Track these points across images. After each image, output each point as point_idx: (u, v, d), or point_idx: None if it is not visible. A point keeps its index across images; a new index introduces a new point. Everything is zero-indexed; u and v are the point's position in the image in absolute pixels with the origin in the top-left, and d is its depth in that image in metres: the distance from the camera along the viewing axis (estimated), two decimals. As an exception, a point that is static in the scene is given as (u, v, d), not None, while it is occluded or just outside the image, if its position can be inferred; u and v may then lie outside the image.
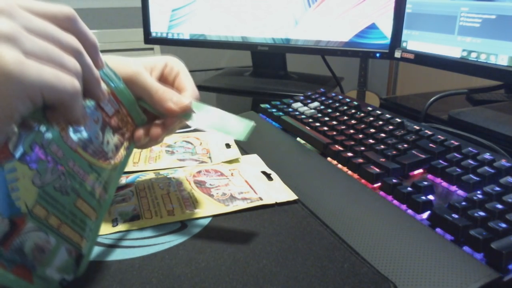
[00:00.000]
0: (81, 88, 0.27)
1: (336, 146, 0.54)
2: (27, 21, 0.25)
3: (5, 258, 0.25)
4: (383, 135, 0.55)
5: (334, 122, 0.61)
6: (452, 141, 0.51)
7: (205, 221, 0.41)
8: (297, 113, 0.68)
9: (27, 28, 0.25)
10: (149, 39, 1.03)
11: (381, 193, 0.45)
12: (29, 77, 0.24)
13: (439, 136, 0.52)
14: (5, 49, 0.23)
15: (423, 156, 0.49)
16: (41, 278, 0.27)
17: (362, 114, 0.62)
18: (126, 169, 0.48)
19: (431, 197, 0.43)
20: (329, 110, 0.67)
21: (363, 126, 0.59)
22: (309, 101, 0.73)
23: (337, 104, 0.68)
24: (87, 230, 0.32)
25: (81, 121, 0.29)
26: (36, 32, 0.26)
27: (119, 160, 0.36)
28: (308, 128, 0.61)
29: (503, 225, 0.35)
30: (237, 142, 0.60)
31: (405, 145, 0.51)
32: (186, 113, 0.39)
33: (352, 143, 0.54)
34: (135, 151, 0.57)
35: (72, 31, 0.28)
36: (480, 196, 0.40)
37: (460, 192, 0.44)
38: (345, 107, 0.66)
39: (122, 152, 0.37)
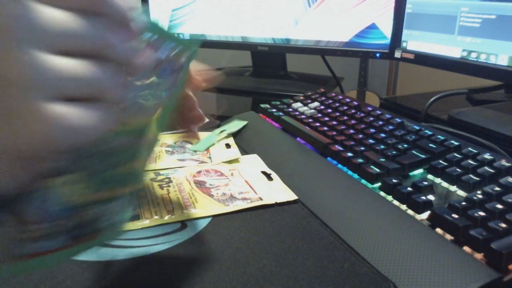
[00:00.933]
0: (115, 116, 0.23)
1: (336, 146, 0.54)
2: (47, 42, 0.21)
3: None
4: (383, 135, 0.55)
5: (334, 122, 0.61)
6: (452, 141, 0.51)
7: (205, 221, 0.41)
8: (297, 113, 0.67)
9: (49, 49, 0.21)
10: (149, 39, 1.03)
11: (381, 193, 0.45)
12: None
13: (439, 136, 0.52)
14: (29, 102, 0.19)
15: (423, 156, 0.49)
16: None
17: (362, 114, 0.62)
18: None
19: (431, 197, 0.43)
20: (329, 110, 0.67)
21: (363, 126, 0.59)
22: (309, 101, 0.73)
23: (337, 104, 0.68)
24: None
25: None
26: (64, 47, 0.21)
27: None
28: (308, 128, 0.61)
29: (503, 225, 0.35)
30: (237, 142, 0.60)
31: (405, 145, 0.51)
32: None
33: (352, 143, 0.54)
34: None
35: (95, 11, 0.22)
36: (480, 196, 0.40)
37: (460, 192, 0.44)
38: (345, 107, 0.66)
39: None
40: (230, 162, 0.55)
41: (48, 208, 0.25)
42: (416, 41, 0.75)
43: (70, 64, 0.22)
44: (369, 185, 0.47)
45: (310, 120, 0.64)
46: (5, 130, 0.20)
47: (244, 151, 0.58)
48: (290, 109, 0.70)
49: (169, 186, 0.47)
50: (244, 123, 0.65)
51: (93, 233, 0.27)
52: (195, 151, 0.59)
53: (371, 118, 0.61)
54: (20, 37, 0.20)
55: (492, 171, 0.43)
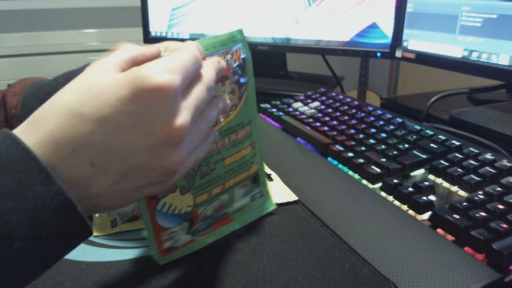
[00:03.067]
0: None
1: (337, 146, 0.54)
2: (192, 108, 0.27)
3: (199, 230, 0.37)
4: (384, 135, 0.55)
5: (335, 122, 0.61)
6: (453, 141, 0.50)
7: (205, 222, 0.41)
8: (297, 113, 0.67)
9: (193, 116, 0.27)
10: (148, 38, 1.03)
11: (382, 193, 0.45)
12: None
13: (440, 136, 0.52)
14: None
15: (424, 156, 0.49)
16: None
17: (363, 114, 0.62)
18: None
19: (432, 197, 0.43)
20: (330, 110, 0.66)
21: (363, 126, 0.59)
22: (309, 100, 0.72)
23: (337, 104, 0.68)
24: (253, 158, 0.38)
25: None
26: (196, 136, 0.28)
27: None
28: (309, 128, 0.61)
29: (505, 226, 0.35)
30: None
31: (406, 145, 0.51)
32: None
33: (353, 143, 0.54)
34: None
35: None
36: (481, 197, 0.40)
37: (461, 192, 0.43)
38: (346, 107, 0.66)
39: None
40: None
41: (170, 218, 0.34)
42: (417, 41, 0.74)
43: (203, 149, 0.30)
44: (370, 186, 0.47)
45: (311, 120, 0.63)
46: (149, 190, 0.28)
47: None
48: (290, 109, 0.70)
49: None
50: None
51: (222, 219, 0.38)
52: None
53: (372, 118, 0.60)
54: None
55: (494, 171, 0.43)
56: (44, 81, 0.48)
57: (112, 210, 0.27)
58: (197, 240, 0.36)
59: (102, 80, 0.25)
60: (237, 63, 0.34)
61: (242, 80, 0.35)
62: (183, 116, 0.26)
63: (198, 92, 0.28)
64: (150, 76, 0.24)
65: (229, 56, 0.33)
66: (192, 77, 0.28)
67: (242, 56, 0.34)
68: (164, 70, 0.25)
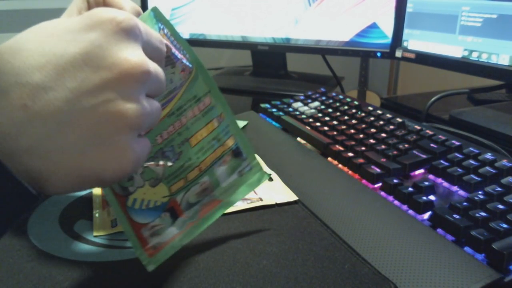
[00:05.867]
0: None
1: (337, 146, 0.54)
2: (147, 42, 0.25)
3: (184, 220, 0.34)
4: (384, 135, 0.55)
5: (335, 122, 0.61)
6: (453, 141, 0.50)
7: (205, 222, 0.41)
8: (297, 113, 0.67)
9: (149, 53, 0.24)
10: (149, 38, 1.03)
11: (382, 193, 0.45)
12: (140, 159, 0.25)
13: (440, 136, 0.52)
14: (132, 145, 0.24)
15: (424, 156, 0.49)
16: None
17: (363, 114, 0.62)
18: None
19: (432, 197, 0.43)
20: (330, 110, 0.66)
21: (363, 126, 0.59)
22: (309, 100, 0.72)
23: (337, 104, 0.68)
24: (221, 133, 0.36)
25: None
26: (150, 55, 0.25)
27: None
28: (309, 128, 0.61)
29: (505, 226, 0.35)
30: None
31: (406, 145, 0.51)
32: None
33: (353, 143, 0.54)
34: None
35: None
36: (481, 197, 0.40)
37: (461, 192, 0.43)
38: (346, 107, 0.66)
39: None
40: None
41: (146, 213, 0.33)
42: (417, 41, 0.74)
43: (157, 106, 0.26)
44: (370, 186, 0.47)
45: (311, 120, 0.63)
46: (95, 156, 0.22)
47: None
48: (290, 109, 0.70)
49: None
50: (244, 123, 0.65)
51: (209, 203, 0.35)
52: None
53: (372, 118, 0.60)
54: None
55: (494, 171, 0.43)
56: None
57: (53, 189, 0.22)
58: (185, 231, 0.34)
59: (57, 21, 0.23)
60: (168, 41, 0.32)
61: (177, 55, 0.32)
62: (141, 55, 0.23)
63: (155, 44, 0.26)
64: (107, 10, 0.23)
65: None
66: (148, 36, 0.25)
67: (166, 32, 0.32)
68: (121, 11, 0.23)
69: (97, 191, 0.45)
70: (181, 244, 0.34)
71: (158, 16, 0.32)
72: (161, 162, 0.33)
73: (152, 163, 0.33)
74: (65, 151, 0.21)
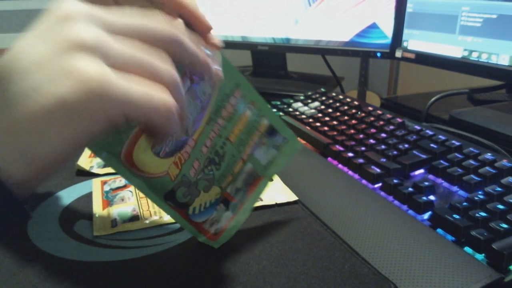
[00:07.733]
0: (175, 103, 0.23)
1: (337, 146, 0.54)
2: (109, 20, 0.22)
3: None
4: (384, 135, 0.55)
5: (335, 122, 0.61)
6: (453, 141, 0.50)
7: (205, 222, 0.41)
8: (297, 113, 0.67)
9: (110, 28, 0.22)
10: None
11: (382, 193, 0.45)
12: (112, 96, 0.20)
13: (440, 136, 0.52)
14: (87, 62, 0.20)
15: (424, 156, 0.49)
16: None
17: (363, 114, 0.62)
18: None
19: (432, 197, 0.43)
20: (330, 110, 0.66)
21: (363, 126, 0.59)
22: (309, 101, 0.72)
23: (337, 104, 0.68)
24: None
25: (179, 134, 0.27)
26: (122, 31, 0.22)
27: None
28: (309, 128, 0.61)
29: (505, 226, 0.35)
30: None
31: (406, 145, 0.51)
32: None
33: (353, 143, 0.54)
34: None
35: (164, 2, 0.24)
36: (481, 197, 0.40)
37: (461, 192, 0.43)
38: (346, 107, 0.66)
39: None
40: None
41: (204, 212, 0.35)
42: (417, 41, 0.74)
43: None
44: (370, 186, 0.47)
45: (311, 120, 0.63)
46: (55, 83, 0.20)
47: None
48: (290, 109, 0.70)
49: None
50: None
51: (253, 182, 0.38)
52: None
53: (372, 118, 0.60)
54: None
55: (493, 171, 0.43)
56: None
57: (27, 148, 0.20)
58: (238, 214, 0.37)
59: None
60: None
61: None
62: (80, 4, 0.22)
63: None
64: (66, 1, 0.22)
65: None
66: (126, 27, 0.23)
67: None
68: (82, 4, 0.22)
69: (97, 191, 0.45)
70: (240, 223, 0.37)
71: None
72: (210, 172, 0.34)
73: (202, 174, 0.34)
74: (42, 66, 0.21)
